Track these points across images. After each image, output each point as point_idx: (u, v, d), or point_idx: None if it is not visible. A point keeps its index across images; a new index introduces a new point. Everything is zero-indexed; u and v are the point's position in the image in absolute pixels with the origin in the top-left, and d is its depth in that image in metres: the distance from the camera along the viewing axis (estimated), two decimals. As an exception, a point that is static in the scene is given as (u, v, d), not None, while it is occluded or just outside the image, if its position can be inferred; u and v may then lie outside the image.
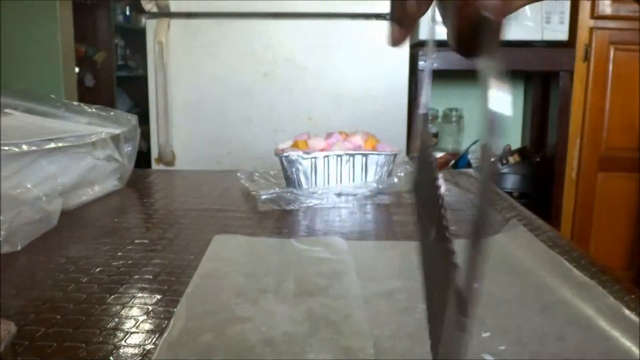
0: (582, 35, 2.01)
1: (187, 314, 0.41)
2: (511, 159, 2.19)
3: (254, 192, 0.79)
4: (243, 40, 1.60)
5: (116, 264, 0.54)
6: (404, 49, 1.60)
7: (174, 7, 1.59)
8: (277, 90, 1.61)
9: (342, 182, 0.79)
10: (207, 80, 1.61)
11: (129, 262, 0.55)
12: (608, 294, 0.43)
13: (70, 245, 0.60)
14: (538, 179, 2.16)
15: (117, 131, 0.84)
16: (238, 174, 0.88)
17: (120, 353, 0.37)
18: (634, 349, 0.36)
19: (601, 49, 2.01)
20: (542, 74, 2.28)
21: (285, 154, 0.77)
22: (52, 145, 0.71)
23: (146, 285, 0.49)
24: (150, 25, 1.59)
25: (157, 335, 0.39)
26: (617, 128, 2.04)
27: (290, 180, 0.79)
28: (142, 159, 1.22)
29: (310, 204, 0.75)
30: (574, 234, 2.09)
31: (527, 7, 1.88)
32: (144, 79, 1.68)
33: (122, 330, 0.40)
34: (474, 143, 2.39)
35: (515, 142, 2.46)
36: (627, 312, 0.41)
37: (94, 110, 0.88)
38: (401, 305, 0.43)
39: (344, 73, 1.61)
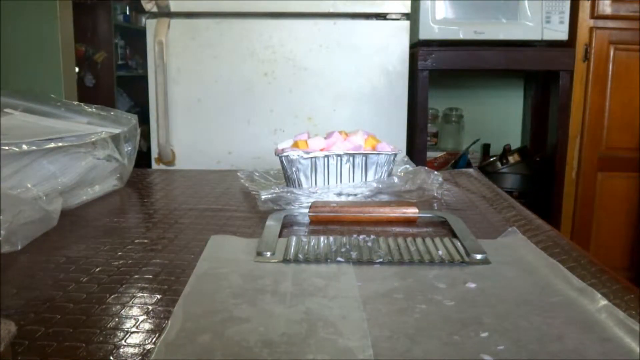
0: (582, 35, 2.01)
1: (185, 314, 0.41)
2: (511, 159, 2.19)
3: (254, 192, 0.79)
4: (243, 40, 1.60)
5: (116, 264, 0.54)
6: (404, 49, 1.60)
7: (174, 7, 1.59)
8: (277, 90, 1.61)
9: (342, 182, 0.79)
10: (207, 80, 1.61)
11: (129, 262, 0.55)
12: (605, 298, 0.43)
13: (70, 245, 0.60)
14: (538, 178, 2.16)
15: (117, 131, 0.84)
16: (238, 174, 0.88)
17: (120, 353, 0.37)
18: (634, 349, 0.36)
19: (601, 49, 2.01)
20: (542, 74, 2.28)
21: (285, 154, 0.77)
22: (52, 145, 0.71)
23: (146, 285, 0.49)
24: (150, 25, 1.59)
25: (157, 335, 0.39)
26: (617, 128, 2.04)
27: (290, 180, 0.79)
28: (142, 158, 1.22)
29: (310, 204, 0.75)
30: (574, 233, 2.09)
31: (527, 7, 1.89)
32: (144, 79, 1.68)
33: (122, 330, 0.40)
34: (474, 143, 2.39)
35: (515, 142, 2.46)
36: (626, 313, 0.41)
37: (94, 110, 0.88)
38: (399, 305, 0.43)
39: (344, 73, 1.61)
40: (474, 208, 0.77)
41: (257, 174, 0.88)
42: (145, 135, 1.48)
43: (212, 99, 1.62)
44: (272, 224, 0.65)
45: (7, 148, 0.65)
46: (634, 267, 2.10)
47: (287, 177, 0.80)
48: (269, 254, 0.55)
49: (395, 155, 0.81)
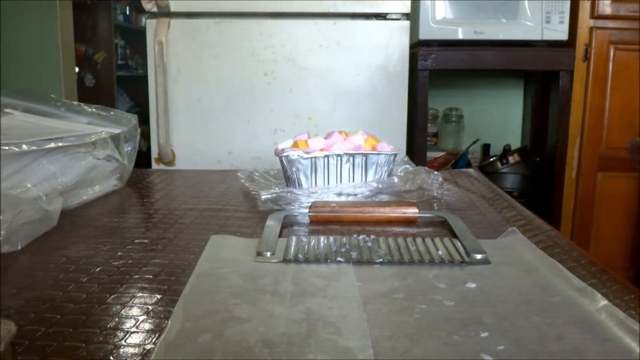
0: (582, 35, 2.01)
1: (185, 314, 0.41)
2: (511, 159, 2.19)
3: (254, 192, 0.79)
4: (243, 40, 1.60)
5: (116, 264, 0.54)
6: (404, 49, 1.60)
7: (174, 7, 1.59)
8: (277, 90, 1.61)
9: (342, 182, 0.79)
10: (207, 80, 1.61)
11: (129, 262, 0.55)
12: (605, 298, 0.43)
13: (70, 245, 0.60)
14: (538, 178, 2.16)
15: (117, 131, 0.85)
16: (238, 174, 0.88)
17: (120, 353, 0.37)
18: (634, 349, 0.36)
19: (601, 49, 2.01)
20: (542, 74, 2.28)
21: (285, 154, 0.77)
22: (52, 145, 0.71)
23: (146, 285, 0.49)
24: (150, 25, 1.59)
25: (157, 335, 0.39)
26: (617, 128, 2.04)
27: (290, 180, 0.79)
28: (142, 158, 1.23)
29: (310, 204, 0.75)
30: (574, 233, 2.09)
31: (527, 7, 1.89)
32: (144, 79, 1.68)
33: (122, 330, 0.40)
34: (474, 143, 2.39)
35: (515, 142, 2.46)
36: (626, 313, 0.41)
37: (94, 110, 0.88)
38: (399, 305, 0.43)
39: (344, 73, 1.61)
40: (474, 208, 0.77)
41: (257, 174, 0.88)
42: (145, 135, 1.48)
43: (212, 99, 1.62)
44: (272, 224, 0.65)
45: (7, 148, 0.65)
46: (634, 267, 2.10)
47: (287, 177, 0.80)
48: (269, 254, 0.55)
49: (395, 155, 0.81)
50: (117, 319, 0.42)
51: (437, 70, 1.95)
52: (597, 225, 2.09)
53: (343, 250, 0.56)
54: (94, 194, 0.81)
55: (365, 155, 0.78)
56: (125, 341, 0.39)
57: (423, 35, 1.92)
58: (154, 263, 0.54)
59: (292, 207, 0.73)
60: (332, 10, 1.58)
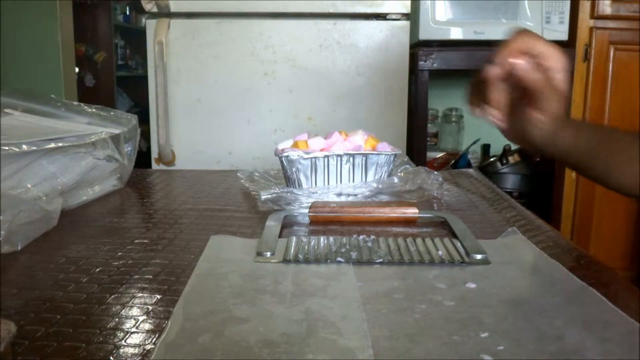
0: (582, 35, 2.01)
1: (185, 314, 0.41)
2: (511, 159, 2.19)
3: (254, 192, 0.79)
4: (243, 40, 1.60)
5: (116, 264, 0.54)
6: (404, 49, 1.60)
7: (174, 7, 1.59)
8: (277, 90, 1.61)
9: (342, 182, 0.79)
10: (207, 80, 1.61)
11: (129, 262, 0.55)
12: (605, 299, 0.43)
13: (70, 245, 0.60)
14: (538, 179, 2.16)
15: (117, 131, 0.84)
16: (238, 174, 0.88)
17: (120, 353, 0.37)
18: (634, 349, 0.36)
19: (601, 49, 2.01)
20: (542, 74, 2.28)
21: (285, 154, 0.77)
22: (52, 145, 0.71)
23: (146, 285, 0.49)
24: (150, 25, 1.59)
25: (157, 335, 0.39)
26: (617, 128, 2.04)
27: (290, 180, 0.79)
28: (142, 159, 1.22)
29: (310, 204, 0.75)
30: (574, 234, 2.09)
31: (527, 7, 1.87)
32: (144, 79, 1.68)
33: (122, 330, 0.40)
34: (474, 143, 2.39)
35: (515, 142, 2.46)
36: (626, 313, 0.41)
37: (94, 110, 0.88)
38: (399, 305, 0.43)
39: (344, 73, 1.61)
40: (474, 208, 0.77)
41: (257, 174, 0.88)
42: (145, 135, 1.48)
43: (212, 99, 1.62)
44: (272, 224, 0.65)
45: (7, 148, 0.65)
46: (634, 267, 2.10)
47: (287, 177, 0.80)
48: (269, 254, 0.55)
49: (395, 155, 0.81)
50: (117, 319, 0.42)
51: (437, 70, 1.95)
52: (597, 225, 2.09)
53: (343, 250, 0.56)
54: (94, 194, 0.81)
55: (365, 155, 0.78)
56: (125, 341, 0.39)
57: (423, 35, 1.92)
58: (154, 263, 0.54)
59: (292, 207, 0.73)
60: (332, 10, 1.58)
